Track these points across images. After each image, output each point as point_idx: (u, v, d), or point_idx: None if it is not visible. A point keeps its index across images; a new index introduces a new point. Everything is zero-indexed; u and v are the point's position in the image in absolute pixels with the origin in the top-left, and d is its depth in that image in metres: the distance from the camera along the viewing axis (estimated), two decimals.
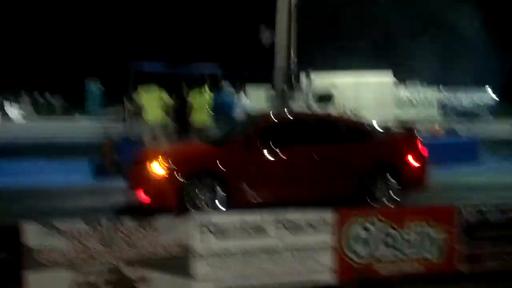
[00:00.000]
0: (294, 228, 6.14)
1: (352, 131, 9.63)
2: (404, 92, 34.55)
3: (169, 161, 8.54)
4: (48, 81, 36.84)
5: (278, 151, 8.90)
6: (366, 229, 6.39)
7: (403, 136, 10.19)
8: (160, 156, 8.76)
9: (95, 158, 13.14)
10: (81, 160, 13.26)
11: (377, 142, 9.57)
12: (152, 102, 12.93)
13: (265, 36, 15.66)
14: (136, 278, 5.62)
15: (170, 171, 8.40)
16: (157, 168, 8.47)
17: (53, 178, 11.71)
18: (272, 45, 15.23)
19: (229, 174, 8.53)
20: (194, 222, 5.86)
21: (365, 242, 6.37)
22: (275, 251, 6.06)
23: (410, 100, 35.59)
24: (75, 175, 12.04)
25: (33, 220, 5.59)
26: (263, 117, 10.03)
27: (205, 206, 8.40)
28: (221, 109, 13.33)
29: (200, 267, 5.83)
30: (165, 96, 13.20)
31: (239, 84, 15.16)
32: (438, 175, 10.57)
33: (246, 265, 5.97)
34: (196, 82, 14.25)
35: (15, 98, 32.22)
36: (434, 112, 26.18)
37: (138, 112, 13.35)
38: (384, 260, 6.40)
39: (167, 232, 5.74)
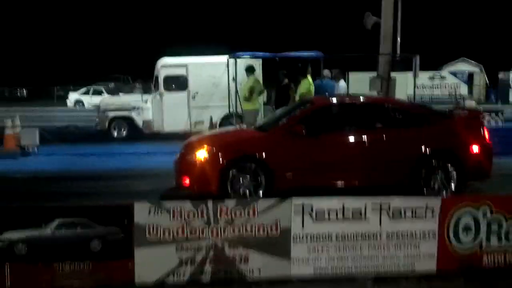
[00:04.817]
0: (396, 214, 6.04)
1: (408, 115, 8.99)
2: None
3: (213, 147, 8.54)
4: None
5: (322, 137, 8.59)
6: (473, 217, 6.15)
7: (466, 121, 9.19)
8: (204, 143, 8.78)
9: None
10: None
11: (436, 128, 8.87)
12: (254, 89, 13.37)
13: (369, 22, 15.40)
14: (236, 257, 5.84)
15: (212, 156, 8.37)
16: (201, 154, 8.46)
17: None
18: (375, 31, 14.94)
19: (271, 160, 8.34)
20: (293, 205, 5.94)
21: (471, 231, 6.13)
22: (375, 237, 6.01)
23: None
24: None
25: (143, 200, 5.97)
26: (310, 102, 9.52)
27: (247, 192, 8.27)
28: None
29: (298, 250, 5.92)
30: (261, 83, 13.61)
31: (341, 70, 14.94)
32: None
33: (344, 250, 5.97)
34: (299, 69, 14.34)
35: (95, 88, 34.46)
36: None
37: (248, 98, 13.65)
38: (490, 250, 6.14)
39: (267, 214, 5.88)
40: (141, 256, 5.74)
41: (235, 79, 14.82)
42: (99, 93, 33.08)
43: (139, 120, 17.07)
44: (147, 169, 11.72)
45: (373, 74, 15.40)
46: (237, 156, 8.43)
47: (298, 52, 16.00)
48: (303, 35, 42.27)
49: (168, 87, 16.72)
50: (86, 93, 33.73)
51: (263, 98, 14.23)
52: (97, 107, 18.56)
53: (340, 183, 8.52)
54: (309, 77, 13.90)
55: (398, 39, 26.16)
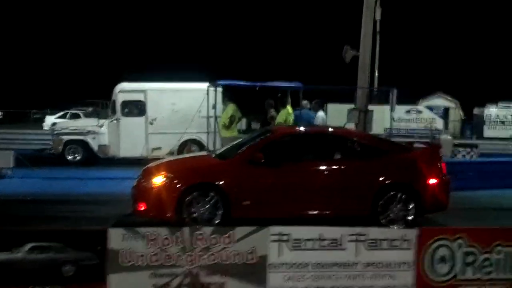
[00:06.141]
0: (373, 244, 6.06)
1: (367, 147, 9.05)
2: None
3: (170, 173, 8.53)
4: None
5: (281, 166, 8.62)
6: (449, 248, 6.19)
7: (424, 155, 9.32)
8: (162, 169, 8.75)
9: None
10: None
11: (394, 160, 8.95)
12: (235, 117, 13.53)
13: (348, 55, 15.67)
14: (211, 284, 5.76)
15: (169, 183, 8.35)
16: (158, 180, 8.44)
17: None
18: (355, 64, 15.19)
19: (228, 187, 8.34)
20: (271, 233, 5.91)
21: (447, 261, 6.17)
22: (351, 266, 6.00)
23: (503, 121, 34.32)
24: None
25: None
26: (270, 131, 9.61)
27: (204, 219, 8.24)
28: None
29: (274, 278, 5.87)
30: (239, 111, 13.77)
31: (320, 101, 15.10)
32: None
33: (320, 279, 5.94)
34: (278, 99, 14.50)
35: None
36: None
37: (227, 126, 13.71)
38: (466, 281, 6.17)
39: (244, 242, 5.84)
40: (115, 282, 5.64)
41: (214, 107, 14.88)
42: (76, 117, 32.81)
43: (94, 145, 16.85)
44: (122, 194, 11.59)
45: (351, 106, 15.60)
46: (193, 183, 8.38)
47: (278, 82, 16.17)
48: (283, 66, 42.82)
49: (125, 112, 16.63)
50: (63, 116, 33.42)
51: (241, 125, 14.32)
52: (52, 131, 18.31)
53: (297, 214, 8.43)
54: (289, 107, 14.04)
55: (376, 72, 26.65)
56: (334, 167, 8.78)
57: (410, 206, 8.66)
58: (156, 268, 5.70)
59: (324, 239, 5.99)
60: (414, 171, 8.90)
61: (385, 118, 22.62)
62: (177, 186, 8.32)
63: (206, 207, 8.29)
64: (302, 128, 10.29)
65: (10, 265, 5.50)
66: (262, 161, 8.46)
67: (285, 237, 5.92)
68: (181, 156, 11.60)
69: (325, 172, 8.71)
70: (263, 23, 54.23)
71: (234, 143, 9.86)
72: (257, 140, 9.19)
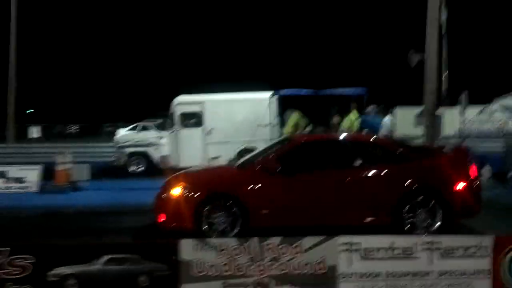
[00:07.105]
0: (447, 252, 5.89)
1: (389, 152, 8.75)
2: None
3: (188, 184, 8.56)
4: None
5: (298, 174, 8.47)
6: None
7: (451, 158, 8.89)
8: (181, 180, 8.79)
9: None
10: None
11: (419, 164, 8.57)
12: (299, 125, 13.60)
13: (413, 60, 15.38)
14: None
15: (187, 193, 8.41)
16: (176, 191, 8.49)
17: None
18: (419, 68, 14.87)
19: (246, 197, 8.30)
20: (341, 243, 5.87)
21: None
22: (425, 275, 5.85)
23: None
24: None
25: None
26: (288, 140, 9.52)
27: (222, 228, 8.21)
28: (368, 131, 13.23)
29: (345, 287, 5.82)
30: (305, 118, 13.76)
31: (386, 106, 14.87)
32: None
33: None
34: (344, 105, 14.43)
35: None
36: None
37: (292, 133, 13.78)
38: None
39: (314, 252, 5.84)
40: None
41: (277, 115, 14.99)
42: (147, 129, 33.74)
43: (155, 156, 17.42)
44: None
45: (421, 108, 15.23)
46: (210, 193, 8.43)
47: (341, 89, 16.09)
48: (351, 72, 42.35)
49: (184, 124, 16.94)
50: (134, 129, 34.47)
51: (309, 132, 14.31)
52: (116, 143, 18.98)
53: (317, 222, 8.21)
54: (354, 113, 13.94)
55: (444, 74, 25.83)
56: (355, 174, 8.54)
57: (437, 212, 8.26)
58: (227, 278, 5.79)
59: (396, 248, 5.88)
60: (439, 175, 8.52)
61: (456, 120, 21.93)
62: (195, 196, 8.39)
63: (225, 217, 8.29)
64: (320, 136, 10.28)
65: (89, 276, 5.75)
66: (278, 170, 8.40)
67: (355, 247, 5.86)
68: (203, 167, 11.73)
69: (345, 180, 8.47)
70: (328, 28, 53.90)
71: (255, 152, 9.88)
72: (274, 148, 9.21)
